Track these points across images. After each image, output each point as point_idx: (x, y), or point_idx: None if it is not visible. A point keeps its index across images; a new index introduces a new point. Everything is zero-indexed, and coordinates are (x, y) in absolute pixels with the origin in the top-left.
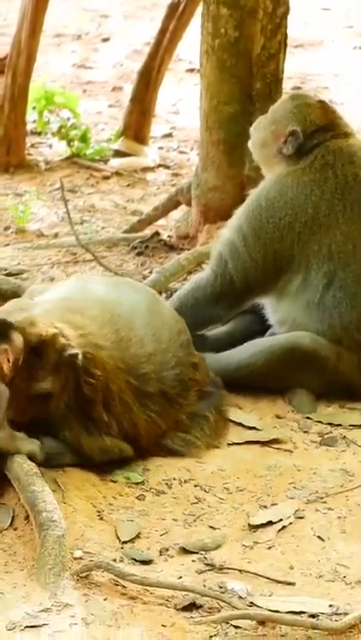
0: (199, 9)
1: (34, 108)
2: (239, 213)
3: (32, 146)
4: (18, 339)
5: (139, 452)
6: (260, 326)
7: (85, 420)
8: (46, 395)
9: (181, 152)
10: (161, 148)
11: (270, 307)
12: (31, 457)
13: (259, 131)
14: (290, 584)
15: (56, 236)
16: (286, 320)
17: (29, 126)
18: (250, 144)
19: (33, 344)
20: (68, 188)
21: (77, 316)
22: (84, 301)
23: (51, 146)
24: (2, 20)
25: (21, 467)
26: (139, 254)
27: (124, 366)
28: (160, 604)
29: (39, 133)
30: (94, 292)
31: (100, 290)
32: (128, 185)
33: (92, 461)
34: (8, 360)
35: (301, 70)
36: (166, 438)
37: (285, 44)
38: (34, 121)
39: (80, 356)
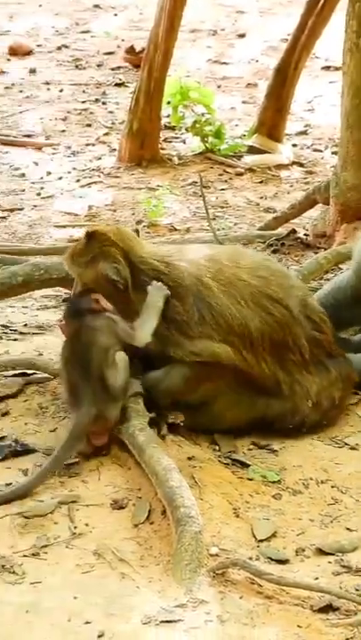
0: (338, 5)
1: (168, 102)
2: None
3: (165, 140)
4: None
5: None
6: None
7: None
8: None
9: (316, 150)
10: (295, 146)
11: None
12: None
13: None
14: None
15: (188, 230)
16: None
17: (163, 121)
18: None
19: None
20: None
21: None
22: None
23: (184, 141)
24: (138, 14)
25: (159, 462)
26: (275, 252)
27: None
28: (296, 605)
29: (173, 128)
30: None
31: None
32: (261, 182)
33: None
34: None
35: None
36: (283, 358)
37: None
38: (168, 115)
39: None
